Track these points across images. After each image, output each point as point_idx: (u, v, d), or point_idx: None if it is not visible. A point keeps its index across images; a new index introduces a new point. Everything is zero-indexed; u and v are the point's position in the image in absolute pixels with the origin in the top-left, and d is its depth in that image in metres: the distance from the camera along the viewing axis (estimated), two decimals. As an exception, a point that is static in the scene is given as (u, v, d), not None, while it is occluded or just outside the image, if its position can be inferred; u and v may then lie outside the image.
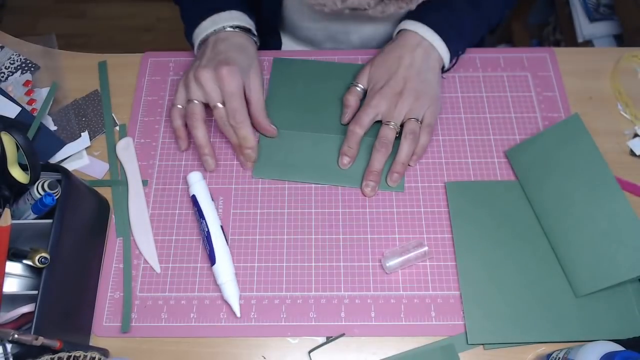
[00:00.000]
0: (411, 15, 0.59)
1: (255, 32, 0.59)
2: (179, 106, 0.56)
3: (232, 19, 0.57)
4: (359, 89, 0.59)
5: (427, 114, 0.56)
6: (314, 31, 0.68)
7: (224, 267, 0.51)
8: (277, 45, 0.72)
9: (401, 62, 0.56)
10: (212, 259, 0.51)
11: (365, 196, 0.56)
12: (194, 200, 0.54)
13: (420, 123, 0.56)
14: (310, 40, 0.71)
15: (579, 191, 0.52)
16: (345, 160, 0.57)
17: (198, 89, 0.54)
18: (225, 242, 0.52)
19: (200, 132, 0.55)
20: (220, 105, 0.53)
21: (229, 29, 0.56)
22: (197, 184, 0.54)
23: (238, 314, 0.50)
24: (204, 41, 0.57)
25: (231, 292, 0.50)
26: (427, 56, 0.57)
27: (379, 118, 0.56)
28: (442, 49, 0.57)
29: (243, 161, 0.57)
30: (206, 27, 0.57)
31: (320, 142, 0.59)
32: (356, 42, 0.69)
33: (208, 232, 0.52)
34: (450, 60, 0.59)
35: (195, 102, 0.54)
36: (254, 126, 0.57)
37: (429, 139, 0.57)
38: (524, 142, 0.58)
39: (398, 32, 0.59)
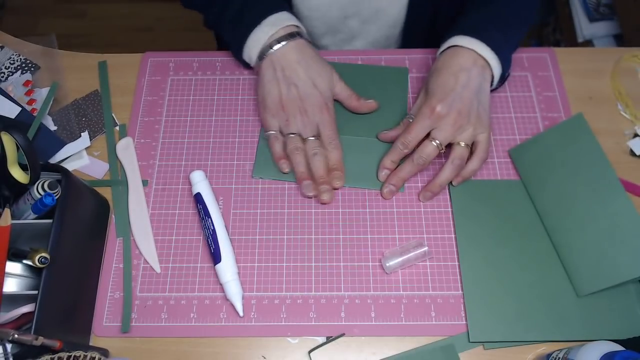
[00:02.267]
0: (463, 29, 0.55)
1: (304, 28, 0.58)
2: (274, 132, 0.56)
3: (287, 19, 0.56)
4: (412, 121, 0.55)
5: (481, 139, 0.54)
6: (312, 21, 0.67)
7: (229, 266, 0.51)
8: None
9: (457, 81, 0.52)
10: (216, 258, 0.51)
11: (383, 198, 0.55)
12: (197, 198, 0.54)
13: (470, 147, 0.54)
14: (309, 32, 0.69)
15: (582, 191, 0.52)
16: (384, 173, 0.55)
17: (300, 123, 0.55)
18: (229, 240, 0.52)
19: (303, 161, 0.55)
20: (313, 138, 0.55)
21: (289, 40, 0.55)
22: (202, 183, 0.55)
23: (241, 313, 0.50)
24: (266, 54, 0.55)
25: (235, 291, 0.50)
26: (482, 76, 0.54)
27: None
28: (496, 69, 0.54)
29: (326, 191, 0.54)
30: (264, 32, 0.55)
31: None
32: (356, 27, 0.68)
33: (214, 230, 0.52)
34: (501, 79, 0.56)
35: (295, 135, 0.55)
36: (355, 112, 0.59)
37: (480, 165, 0.54)
38: (527, 141, 0.57)
39: (449, 47, 0.55)
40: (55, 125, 0.61)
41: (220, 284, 0.51)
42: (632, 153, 0.58)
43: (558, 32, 1.33)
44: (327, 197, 0.54)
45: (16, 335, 0.39)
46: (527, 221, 0.54)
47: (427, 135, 0.53)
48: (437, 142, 0.53)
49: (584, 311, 0.50)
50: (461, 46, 0.54)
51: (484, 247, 0.53)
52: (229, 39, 0.60)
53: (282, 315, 0.50)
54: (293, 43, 0.55)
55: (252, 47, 0.57)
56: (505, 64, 0.55)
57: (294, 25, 0.57)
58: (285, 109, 0.55)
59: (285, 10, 0.57)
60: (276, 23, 0.55)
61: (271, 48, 0.55)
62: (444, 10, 0.65)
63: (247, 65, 0.61)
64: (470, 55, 0.54)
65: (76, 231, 0.49)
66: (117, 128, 0.61)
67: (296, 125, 0.55)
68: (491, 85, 0.56)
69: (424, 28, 0.67)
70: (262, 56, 0.56)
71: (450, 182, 0.55)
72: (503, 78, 0.57)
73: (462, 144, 0.53)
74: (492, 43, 0.54)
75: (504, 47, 0.55)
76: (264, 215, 0.55)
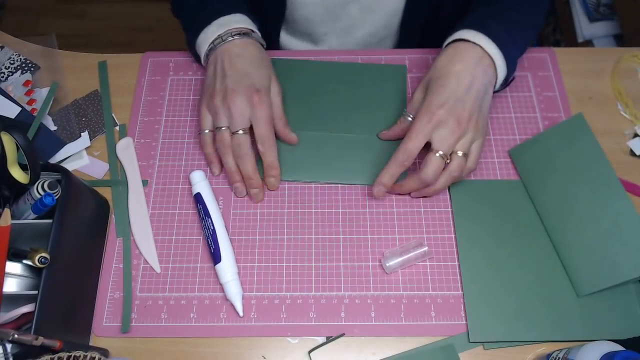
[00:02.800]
0: (469, 24, 0.53)
1: (259, 32, 0.58)
2: (207, 131, 0.55)
3: (238, 22, 0.56)
4: (409, 118, 0.54)
5: (473, 149, 0.51)
6: (312, 7, 0.66)
7: (229, 266, 0.51)
8: (276, 38, 0.71)
9: (460, 83, 0.50)
10: (216, 258, 0.51)
11: (371, 195, 0.54)
12: (197, 198, 0.54)
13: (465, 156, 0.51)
14: (308, 20, 0.68)
15: (582, 191, 0.52)
16: (381, 190, 0.52)
17: (227, 115, 0.53)
18: (229, 240, 0.52)
19: (232, 161, 0.54)
20: (241, 132, 0.52)
21: (236, 37, 0.55)
22: (202, 183, 0.55)
23: (241, 313, 0.50)
24: (212, 50, 0.56)
25: (235, 291, 0.50)
26: (487, 78, 0.51)
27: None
28: (500, 68, 0.52)
29: (255, 194, 0.54)
30: (212, 32, 0.56)
31: (321, 141, 0.58)
32: (356, 15, 0.67)
33: (213, 230, 0.52)
34: (505, 82, 0.54)
35: (224, 128, 0.53)
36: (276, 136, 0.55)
37: (465, 176, 0.53)
38: (527, 141, 0.58)
39: (454, 41, 0.53)
40: (55, 125, 0.61)
41: (220, 284, 0.51)
42: (632, 153, 0.58)
43: (558, 32, 1.33)
44: (259, 198, 0.55)
45: (16, 335, 0.39)
46: (527, 221, 0.54)
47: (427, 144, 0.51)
48: (441, 152, 0.49)
49: (584, 311, 0.50)
50: (467, 40, 0.52)
51: (484, 247, 0.53)
52: (186, 32, 0.60)
53: (282, 315, 0.50)
54: (238, 40, 0.55)
55: (202, 44, 0.57)
56: (511, 65, 0.53)
57: (246, 27, 0.56)
58: (214, 101, 0.53)
59: (241, 13, 0.57)
60: (224, 25, 0.55)
61: (216, 45, 0.55)
62: (444, 2, 0.64)
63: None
64: (477, 52, 0.51)
65: (76, 231, 0.49)
66: (117, 128, 0.61)
67: (224, 118, 0.53)
68: (494, 87, 0.54)
69: (424, 18, 0.67)
70: (208, 54, 0.56)
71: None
72: (506, 81, 0.56)
73: (460, 153, 0.50)
74: (499, 40, 0.51)
75: (511, 46, 0.53)
76: (264, 215, 0.55)
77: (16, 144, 0.47)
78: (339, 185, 0.57)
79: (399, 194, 0.56)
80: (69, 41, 1.56)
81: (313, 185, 0.57)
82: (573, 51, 0.65)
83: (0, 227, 0.44)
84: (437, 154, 0.50)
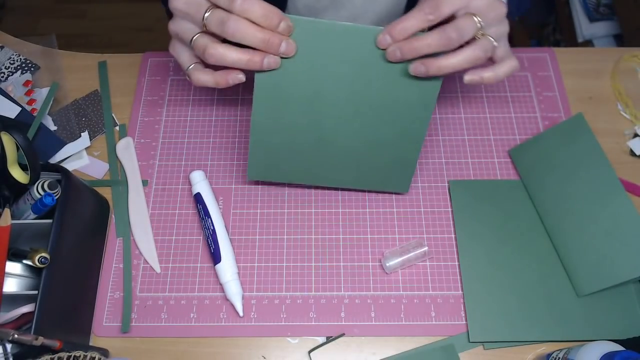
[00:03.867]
0: None
1: None
2: (192, 65, 0.44)
3: None
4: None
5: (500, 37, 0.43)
6: None
7: (229, 266, 0.51)
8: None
9: None
10: (216, 258, 0.51)
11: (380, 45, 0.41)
12: (197, 198, 0.54)
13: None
14: (310, 8, 0.66)
15: (582, 191, 0.52)
16: (386, 40, 0.40)
17: (182, 17, 0.42)
18: (229, 240, 0.52)
19: (235, 51, 0.41)
20: (208, 13, 0.41)
21: None
22: (202, 183, 0.55)
23: (241, 313, 0.50)
24: None
25: (235, 291, 0.50)
26: None
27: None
28: None
29: (281, 49, 0.41)
30: None
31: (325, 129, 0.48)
32: (359, 3, 0.65)
33: (213, 230, 0.52)
34: None
35: (197, 36, 0.42)
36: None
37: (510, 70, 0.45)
38: (527, 141, 0.58)
39: None
40: (55, 125, 0.61)
41: (220, 284, 0.51)
42: (632, 153, 0.58)
43: (558, 32, 1.33)
44: (289, 48, 0.41)
45: (16, 335, 0.39)
46: (527, 221, 0.54)
47: None
48: (479, 19, 0.41)
49: (584, 311, 0.50)
50: None
51: (484, 247, 0.53)
52: None
53: (282, 315, 0.50)
54: None
55: None
56: None
57: None
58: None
59: None
60: None
61: None
62: None
63: None
64: None
65: (76, 231, 0.49)
66: (117, 128, 0.61)
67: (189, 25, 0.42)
68: None
69: None
70: None
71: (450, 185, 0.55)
72: None
73: (490, 37, 0.42)
74: None
75: None
76: (264, 215, 0.55)
77: (16, 144, 0.47)
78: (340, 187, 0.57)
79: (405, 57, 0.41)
80: (69, 41, 1.56)
81: (313, 186, 0.57)
82: (573, 51, 0.65)
83: (0, 227, 0.44)
84: (474, 17, 0.41)
